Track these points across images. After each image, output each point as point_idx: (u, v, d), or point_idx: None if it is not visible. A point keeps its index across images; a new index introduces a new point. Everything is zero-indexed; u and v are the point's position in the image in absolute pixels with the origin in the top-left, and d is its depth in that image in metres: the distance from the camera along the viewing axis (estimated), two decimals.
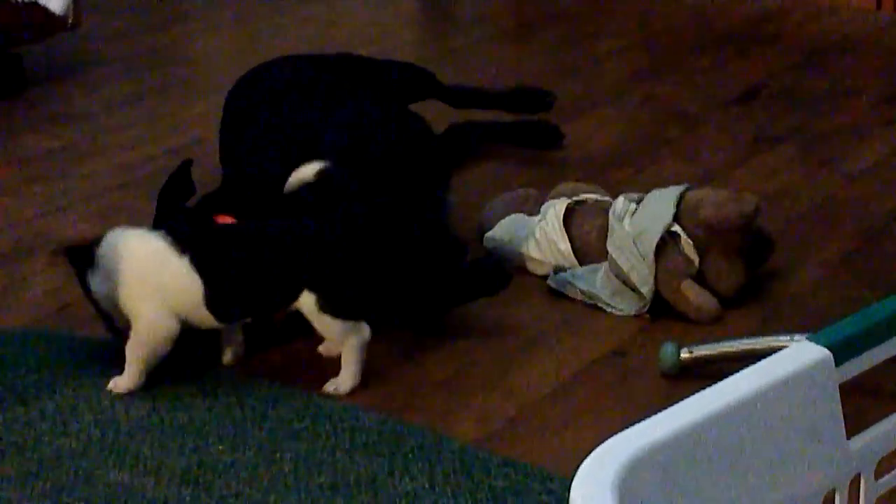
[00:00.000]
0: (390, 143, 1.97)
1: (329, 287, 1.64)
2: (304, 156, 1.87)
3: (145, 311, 1.64)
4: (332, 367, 1.71)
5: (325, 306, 1.64)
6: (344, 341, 1.66)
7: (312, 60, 2.23)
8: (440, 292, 1.80)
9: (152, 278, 1.64)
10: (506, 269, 1.85)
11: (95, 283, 1.66)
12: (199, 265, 1.63)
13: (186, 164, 1.80)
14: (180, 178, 1.80)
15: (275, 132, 1.98)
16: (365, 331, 1.66)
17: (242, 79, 2.17)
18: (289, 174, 1.75)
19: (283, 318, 1.74)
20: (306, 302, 1.64)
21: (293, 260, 1.65)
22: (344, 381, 1.67)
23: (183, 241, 1.65)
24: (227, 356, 1.74)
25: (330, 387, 1.67)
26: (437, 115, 2.42)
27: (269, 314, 1.73)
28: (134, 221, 1.85)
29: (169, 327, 1.65)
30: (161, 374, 1.70)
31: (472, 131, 2.49)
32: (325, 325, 1.65)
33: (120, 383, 1.67)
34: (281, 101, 2.04)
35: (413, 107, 2.25)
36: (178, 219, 1.75)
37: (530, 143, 2.50)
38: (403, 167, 1.94)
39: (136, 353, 1.66)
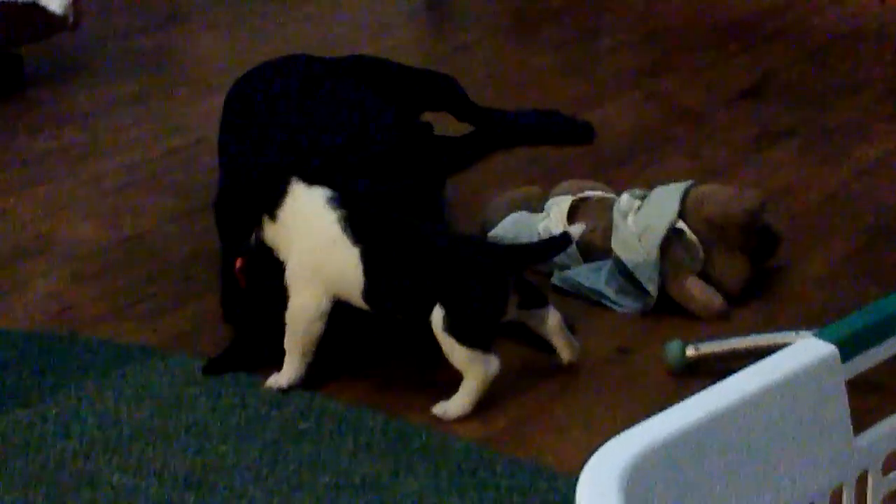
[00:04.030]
0: (387, 143, 1.96)
1: (459, 307, 1.58)
2: (299, 155, 1.87)
3: (304, 291, 1.63)
4: (336, 367, 1.70)
5: (452, 327, 1.58)
6: (467, 370, 1.61)
7: (320, 61, 2.21)
8: None
9: (322, 265, 1.63)
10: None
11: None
12: (366, 259, 1.60)
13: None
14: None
15: (271, 132, 1.96)
16: (493, 364, 1.60)
17: (242, 78, 2.15)
18: (284, 173, 1.75)
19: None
20: (436, 316, 1.59)
21: (437, 267, 1.60)
22: (451, 408, 1.61)
23: (356, 232, 1.61)
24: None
25: (438, 409, 1.61)
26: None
27: (421, 316, 1.62)
28: (136, 222, 1.85)
29: (320, 306, 1.63)
30: (163, 375, 1.69)
31: (499, 132, 2.46)
32: (449, 347, 1.59)
33: (281, 378, 1.66)
34: (280, 101, 2.02)
35: None
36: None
37: (562, 141, 2.48)
38: (399, 167, 1.93)
39: (292, 342, 1.64)
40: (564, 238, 1.69)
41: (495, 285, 1.59)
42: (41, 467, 1.52)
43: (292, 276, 1.64)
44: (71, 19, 2.90)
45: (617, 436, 0.85)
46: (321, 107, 2.01)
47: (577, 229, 1.68)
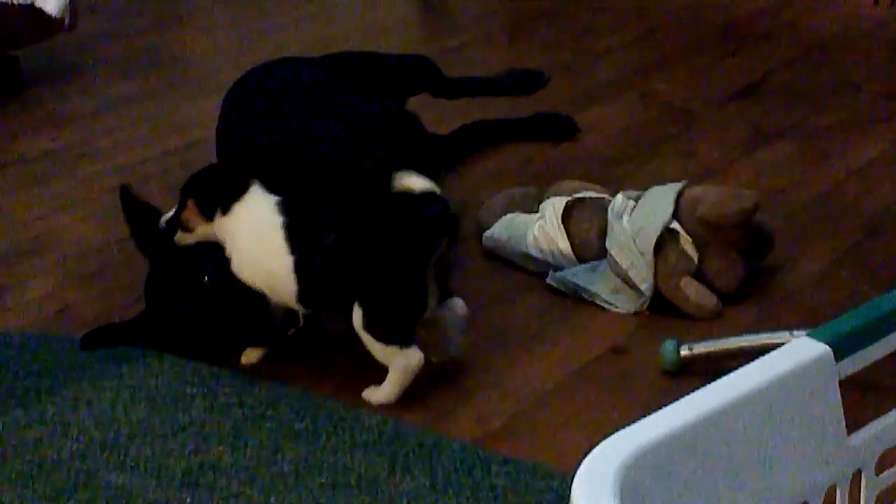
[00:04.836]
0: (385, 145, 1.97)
1: (376, 305, 1.61)
2: (299, 158, 1.88)
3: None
4: (332, 366, 1.71)
5: (369, 325, 1.61)
6: (388, 363, 1.64)
7: (310, 62, 2.22)
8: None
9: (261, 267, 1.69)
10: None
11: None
12: (299, 267, 1.64)
13: (125, 191, 1.83)
14: (131, 205, 1.82)
15: (272, 134, 1.97)
16: (413, 357, 1.62)
17: (240, 80, 2.16)
18: (283, 177, 1.76)
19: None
20: (356, 314, 1.61)
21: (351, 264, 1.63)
22: (377, 394, 1.65)
23: (294, 239, 1.66)
24: (251, 356, 1.75)
25: (366, 393, 1.65)
26: (444, 111, 2.42)
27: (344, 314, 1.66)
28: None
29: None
30: (160, 375, 1.69)
31: (485, 129, 2.50)
32: (369, 343, 1.63)
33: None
34: (278, 104, 2.04)
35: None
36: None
37: (546, 136, 2.51)
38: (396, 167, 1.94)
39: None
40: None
41: (411, 283, 1.62)
42: (38, 467, 1.53)
43: (237, 269, 1.69)
44: (68, 21, 2.91)
45: (612, 435, 0.85)
46: (318, 109, 2.01)
47: None
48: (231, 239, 1.70)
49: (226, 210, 1.70)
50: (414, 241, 1.60)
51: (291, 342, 1.75)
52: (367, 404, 1.64)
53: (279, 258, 1.65)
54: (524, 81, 2.62)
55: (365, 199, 1.65)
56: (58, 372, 1.73)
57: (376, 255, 1.61)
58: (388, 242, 1.61)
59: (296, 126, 1.96)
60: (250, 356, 1.75)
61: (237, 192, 1.70)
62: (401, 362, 1.62)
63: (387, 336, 1.62)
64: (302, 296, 1.65)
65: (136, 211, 1.83)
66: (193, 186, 1.73)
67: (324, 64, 2.22)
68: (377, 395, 1.65)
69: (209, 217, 1.70)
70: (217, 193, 1.71)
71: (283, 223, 1.67)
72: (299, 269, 1.64)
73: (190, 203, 1.72)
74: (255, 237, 1.68)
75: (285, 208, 1.69)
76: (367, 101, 2.09)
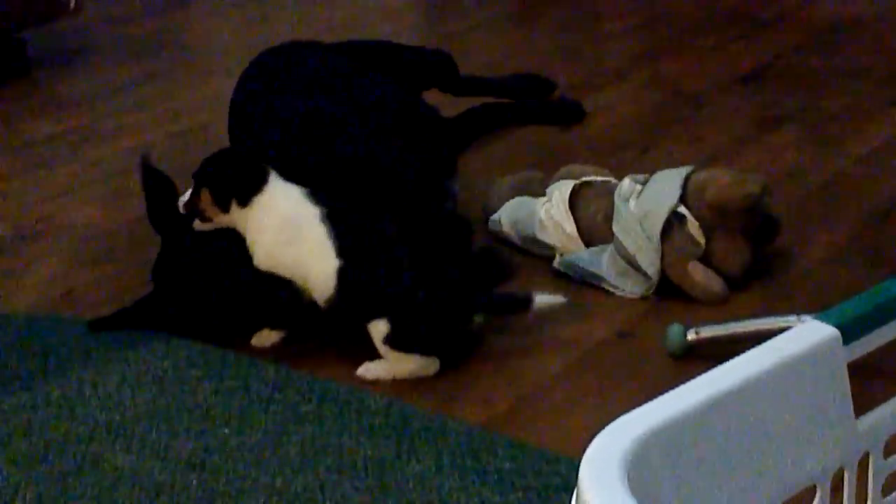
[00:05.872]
0: (407, 134, 1.97)
1: (406, 333, 1.63)
2: (320, 141, 1.87)
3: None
4: (338, 350, 1.71)
5: (394, 342, 1.63)
6: (403, 365, 1.66)
7: (327, 48, 2.20)
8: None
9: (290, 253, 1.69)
10: (508, 260, 1.83)
11: None
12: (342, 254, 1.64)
13: (145, 161, 1.82)
14: (151, 177, 1.81)
15: (290, 115, 1.95)
16: (432, 364, 1.66)
17: (257, 62, 2.13)
18: (303, 159, 1.76)
19: None
20: (378, 328, 1.63)
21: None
22: (375, 369, 1.66)
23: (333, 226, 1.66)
24: (265, 339, 1.75)
25: (362, 368, 1.67)
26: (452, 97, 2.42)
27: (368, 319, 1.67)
28: (138, 206, 1.85)
29: None
30: (166, 358, 1.69)
31: (492, 113, 2.49)
32: (394, 358, 1.65)
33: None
34: (299, 89, 2.01)
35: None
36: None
37: (553, 120, 2.50)
38: (417, 157, 1.94)
39: None
40: (525, 303, 1.69)
41: (444, 326, 1.65)
42: (44, 450, 1.53)
43: (263, 262, 1.68)
44: (74, 4, 2.91)
45: (618, 419, 0.85)
46: (339, 92, 2.00)
47: (546, 300, 1.69)
48: (255, 233, 1.68)
49: (244, 202, 1.68)
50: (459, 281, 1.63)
51: (299, 326, 1.75)
52: (373, 387, 1.63)
53: (322, 260, 1.64)
54: (535, 86, 2.60)
55: (426, 218, 1.66)
56: (64, 354, 1.73)
57: (418, 294, 1.62)
58: (436, 279, 1.62)
59: (318, 114, 1.94)
60: (263, 339, 1.74)
61: (256, 184, 1.68)
62: (418, 363, 1.65)
63: (412, 348, 1.64)
64: (337, 300, 1.65)
65: (156, 184, 1.80)
66: (208, 176, 1.70)
67: (342, 50, 2.20)
68: (374, 370, 1.66)
69: (225, 209, 1.69)
70: (233, 185, 1.68)
71: (322, 220, 1.66)
72: (342, 276, 1.63)
73: (204, 193, 1.70)
74: (289, 234, 1.66)
75: (318, 202, 1.67)
76: (390, 91, 2.07)
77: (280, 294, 1.69)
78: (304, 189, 1.70)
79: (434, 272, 1.64)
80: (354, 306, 1.65)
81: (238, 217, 1.69)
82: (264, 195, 1.68)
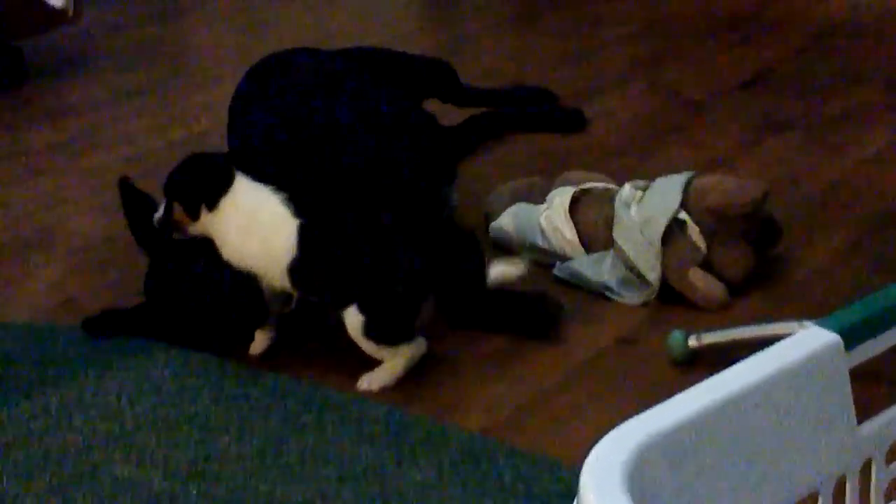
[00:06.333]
0: (407, 142, 1.96)
1: (377, 314, 1.63)
2: (318, 147, 1.86)
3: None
4: (338, 358, 1.70)
5: (368, 331, 1.63)
6: (392, 359, 1.66)
7: (330, 54, 2.20)
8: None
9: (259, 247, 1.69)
10: (555, 312, 1.81)
11: None
12: (302, 236, 1.64)
13: (124, 183, 1.84)
14: (131, 198, 1.82)
15: (289, 121, 1.94)
16: (419, 347, 1.67)
17: (258, 68, 2.13)
18: (301, 163, 1.75)
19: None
20: (352, 319, 1.63)
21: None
22: (375, 378, 1.65)
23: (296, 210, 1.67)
24: (258, 346, 1.75)
25: (363, 383, 1.66)
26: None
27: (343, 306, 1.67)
28: None
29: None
30: (165, 367, 1.69)
31: (493, 120, 2.49)
32: (370, 349, 1.65)
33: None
34: (296, 91, 2.01)
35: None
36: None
37: (553, 128, 2.50)
38: (417, 165, 1.94)
39: None
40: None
41: (411, 301, 1.64)
42: (43, 459, 1.52)
43: (230, 252, 1.68)
44: (71, 12, 2.91)
45: (619, 426, 0.84)
46: (338, 99, 2.00)
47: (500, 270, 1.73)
48: (224, 232, 1.68)
49: (212, 205, 1.68)
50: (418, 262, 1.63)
51: (297, 333, 1.75)
52: (373, 396, 1.63)
53: (286, 251, 1.64)
54: (536, 98, 2.60)
55: (426, 219, 1.66)
56: (63, 363, 1.73)
57: (381, 269, 1.62)
58: (398, 256, 1.62)
59: (319, 120, 1.94)
60: (257, 344, 1.74)
61: (222, 186, 1.68)
62: (406, 351, 1.64)
63: (390, 339, 1.64)
64: (301, 287, 1.65)
65: (136, 204, 1.82)
66: (175, 188, 1.71)
67: (344, 57, 2.20)
68: (376, 379, 1.65)
69: (195, 217, 1.69)
70: (200, 191, 1.68)
71: (287, 211, 1.66)
72: (300, 266, 1.64)
73: (176, 206, 1.70)
74: (254, 227, 1.66)
75: (284, 198, 1.68)
76: (390, 98, 2.07)
77: (243, 294, 1.69)
78: (269, 188, 1.69)
79: (391, 252, 1.64)
80: (318, 292, 1.65)
81: (209, 222, 1.69)
82: (230, 195, 1.68)
